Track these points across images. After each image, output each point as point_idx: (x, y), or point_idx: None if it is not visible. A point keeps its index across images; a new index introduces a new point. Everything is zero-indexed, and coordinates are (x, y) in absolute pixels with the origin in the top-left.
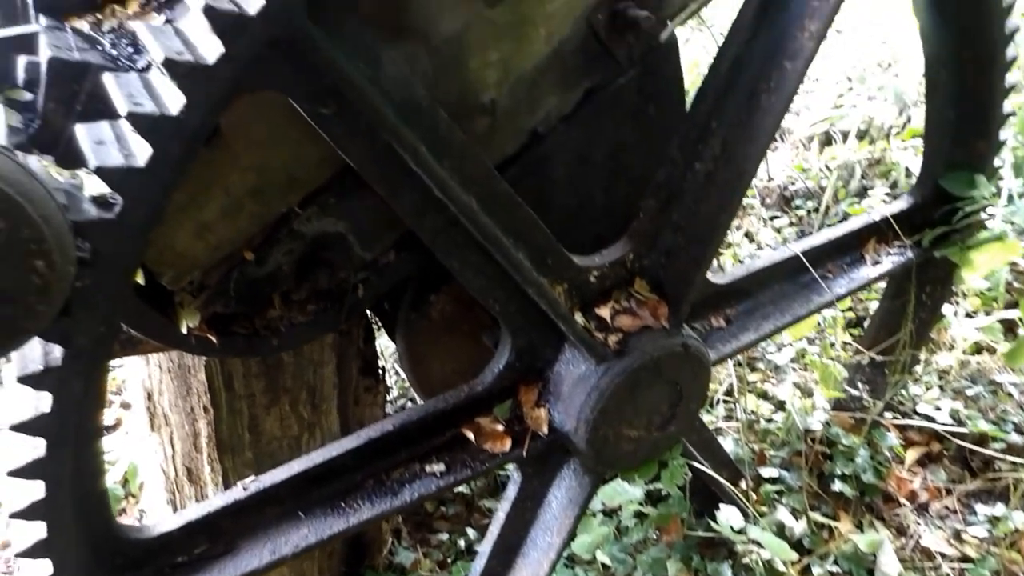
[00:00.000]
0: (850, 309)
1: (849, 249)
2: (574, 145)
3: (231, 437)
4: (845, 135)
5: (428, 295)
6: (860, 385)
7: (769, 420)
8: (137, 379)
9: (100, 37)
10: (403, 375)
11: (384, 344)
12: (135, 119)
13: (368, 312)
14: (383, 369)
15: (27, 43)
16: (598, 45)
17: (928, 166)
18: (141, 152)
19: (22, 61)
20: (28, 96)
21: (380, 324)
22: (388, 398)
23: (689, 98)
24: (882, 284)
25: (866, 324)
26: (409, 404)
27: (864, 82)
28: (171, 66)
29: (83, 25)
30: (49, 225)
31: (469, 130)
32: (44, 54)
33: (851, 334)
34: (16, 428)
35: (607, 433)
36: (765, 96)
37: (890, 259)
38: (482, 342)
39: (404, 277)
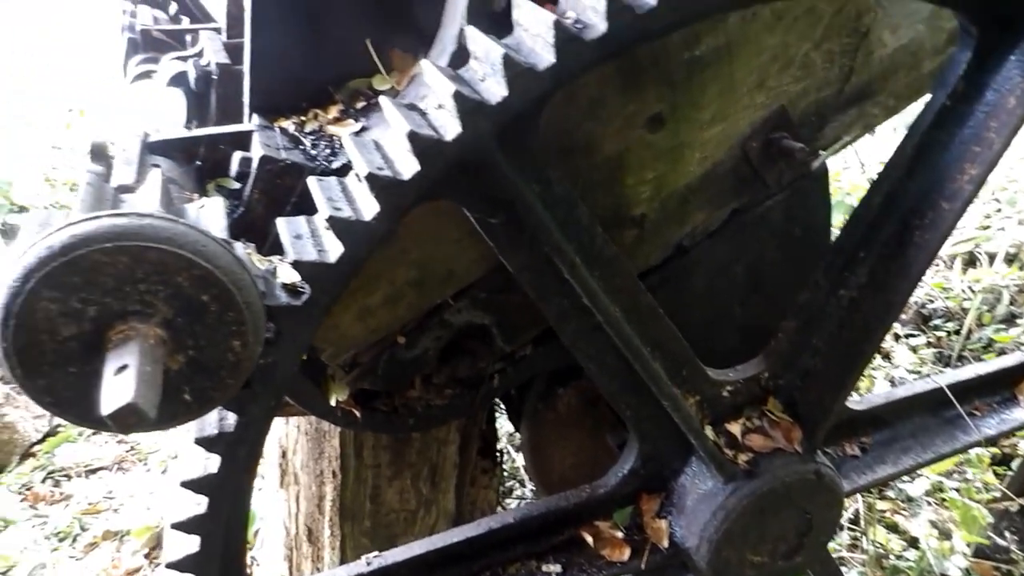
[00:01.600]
0: (996, 446)
1: (1000, 387)
2: (717, 260)
3: (354, 504)
4: (992, 257)
5: (557, 388)
6: (1007, 534)
7: (899, 557)
8: (274, 436)
9: (303, 138)
10: (515, 458)
11: (500, 426)
12: (333, 222)
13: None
14: (500, 452)
15: (243, 140)
16: (750, 170)
17: None
18: (333, 249)
19: (237, 156)
20: (236, 185)
21: (506, 410)
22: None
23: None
24: None
25: (1015, 465)
26: (517, 486)
27: (1015, 204)
28: (372, 179)
29: (289, 126)
30: (250, 310)
31: (618, 240)
32: (256, 151)
33: (996, 473)
34: (185, 485)
35: (730, 556)
36: (919, 233)
37: None
38: (605, 441)
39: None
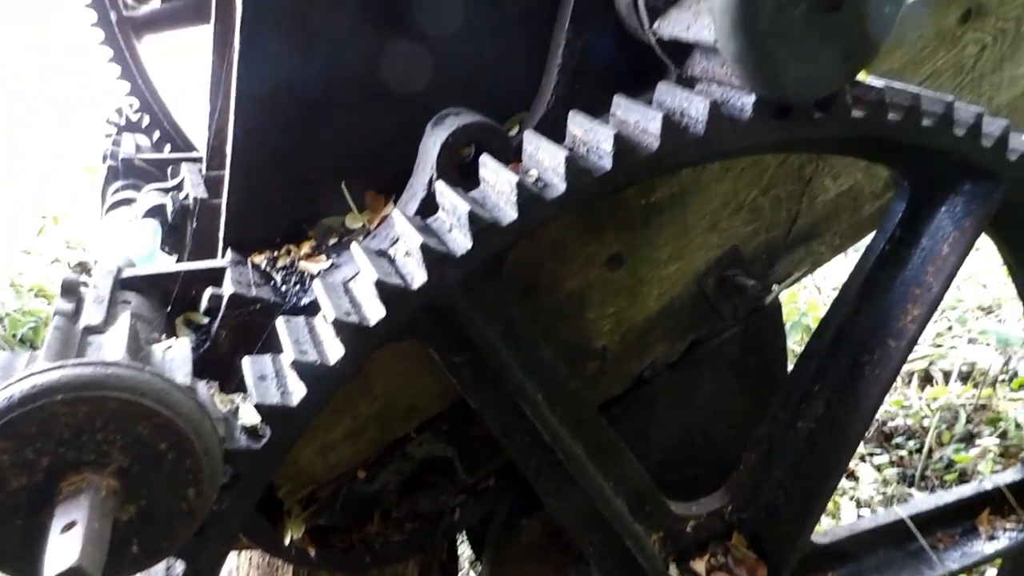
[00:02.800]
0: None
1: (962, 518)
2: (677, 390)
3: None
4: (947, 375)
5: (521, 519)
6: None
7: None
8: (224, 569)
9: (274, 274)
10: None
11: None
12: (297, 365)
13: None
14: None
15: (216, 275)
16: (706, 304)
17: None
18: (296, 391)
19: (208, 292)
20: (205, 320)
21: (468, 539)
22: None
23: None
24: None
25: None
26: None
27: (965, 324)
28: (338, 324)
29: (262, 261)
30: (208, 457)
31: (580, 372)
32: (227, 288)
33: None
34: None
35: None
36: (869, 368)
37: (1007, 535)
38: (568, 574)
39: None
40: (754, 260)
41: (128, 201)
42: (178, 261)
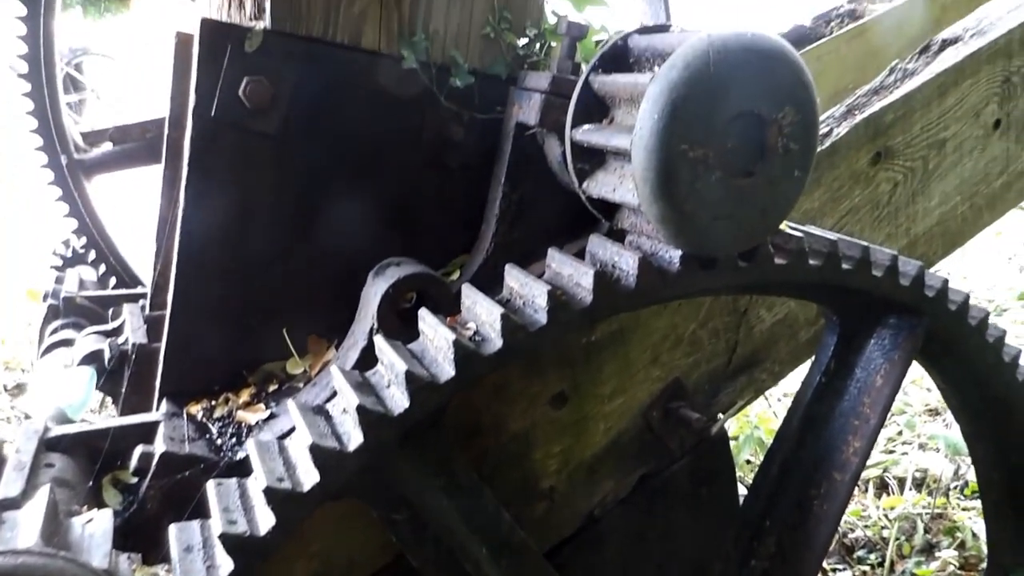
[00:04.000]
0: None
1: None
2: (629, 527)
3: None
4: (901, 482)
5: None
6: None
7: None
8: None
9: (210, 425)
10: None
11: None
12: (225, 538)
13: None
14: None
15: (148, 430)
16: (652, 437)
17: (994, 556)
18: (224, 565)
19: (138, 450)
20: (134, 480)
21: None
22: None
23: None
24: None
25: None
26: None
27: (913, 429)
28: (269, 493)
29: (198, 412)
30: None
31: (528, 514)
32: (159, 446)
33: None
34: None
35: None
36: (817, 503)
37: None
38: None
39: None
40: (697, 391)
41: (67, 342)
42: (114, 405)
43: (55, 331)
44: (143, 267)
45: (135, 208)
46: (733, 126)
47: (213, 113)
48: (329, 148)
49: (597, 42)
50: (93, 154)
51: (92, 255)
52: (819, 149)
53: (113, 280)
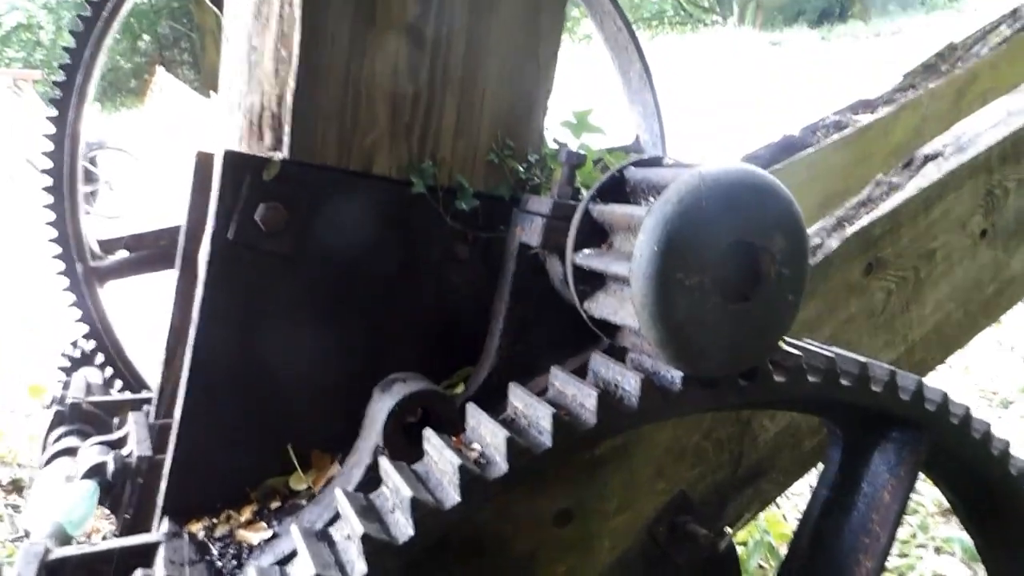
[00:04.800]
0: None
1: None
2: None
3: None
4: None
5: None
6: None
7: None
8: None
9: (211, 545)
10: None
11: None
12: None
13: None
14: None
15: (149, 551)
16: (659, 552)
17: None
18: None
19: (139, 573)
20: None
21: None
22: None
23: None
24: None
25: None
26: None
27: (927, 531)
28: None
29: (199, 531)
30: None
31: None
32: (159, 569)
33: None
34: None
35: None
36: None
37: None
38: None
39: None
40: (703, 503)
41: (70, 451)
42: (115, 519)
43: (58, 439)
44: (149, 371)
45: (143, 310)
46: (727, 255)
47: (230, 237)
48: (339, 267)
49: (596, 162)
50: (108, 261)
51: (100, 358)
52: (813, 262)
53: (120, 383)
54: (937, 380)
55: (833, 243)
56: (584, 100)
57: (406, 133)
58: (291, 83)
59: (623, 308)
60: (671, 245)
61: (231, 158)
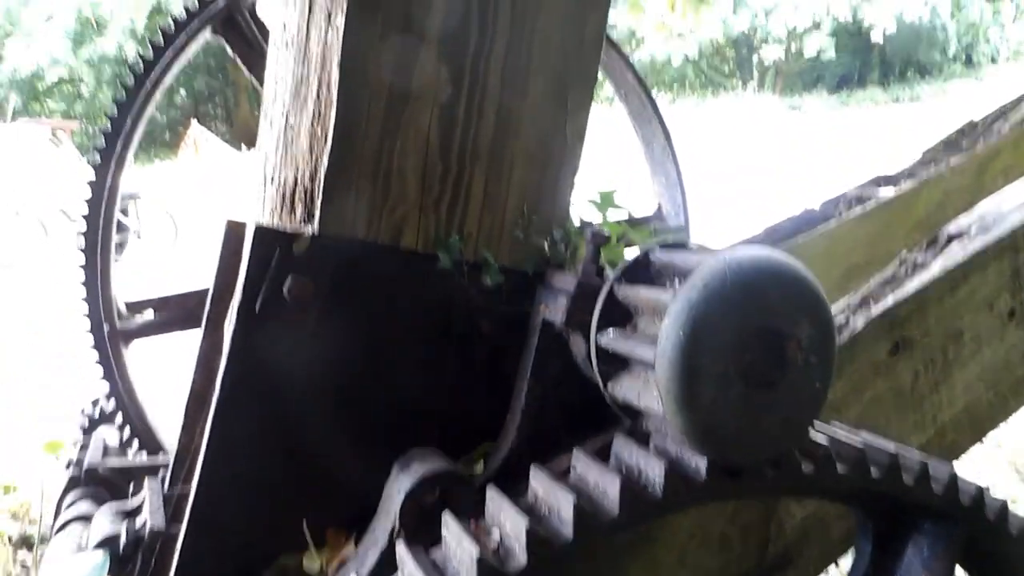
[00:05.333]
0: None
1: None
2: None
3: None
4: None
5: None
6: None
7: None
8: None
9: None
10: None
11: None
12: None
13: None
14: None
15: None
16: None
17: None
18: None
19: None
20: None
21: None
22: None
23: None
24: None
25: None
26: None
27: None
28: None
29: None
30: None
31: None
32: None
33: None
34: None
35: None
36: None
37: None
38: None
39: None
40: None
41: (83, 519)
42: None
43: (72, 503)
44: (168, 433)
45: (167, 369)
46: (753, 342)
47: (257, 310)
48: (363, 340)
49: (619, 238)
50: (134, 322)
51: (119, 418)
52: (839, 342)
53: (136, 443)
54: (968, 455)
55: (859, 322)
56: (608, 167)
57: (435, 207)
58: (325, 160)
59: (647, 392)
60: (697, 332)
61: (262, 233)
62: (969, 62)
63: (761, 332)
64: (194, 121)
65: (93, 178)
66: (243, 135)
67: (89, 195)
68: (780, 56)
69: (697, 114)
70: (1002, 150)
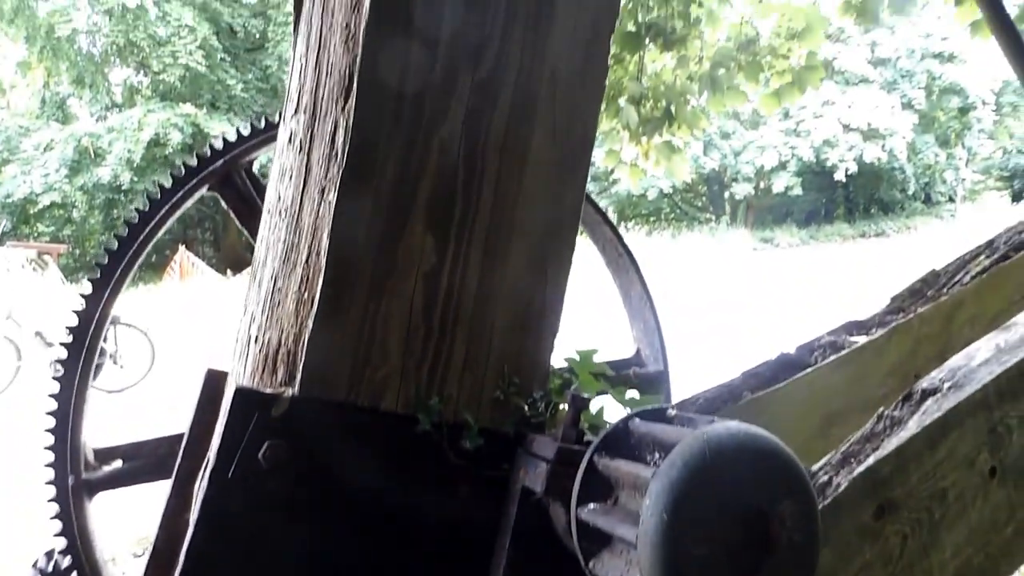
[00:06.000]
0: None
1: None
2: None
3: None
4: None
5: None
6: None
7: None
8: None
9: None
10: None
11: None
12: None
13: None
14: None
15: None
16: None
17: None
18: None
19: None
20: None
21: None
22: None
23: None
24: None
25: None
26: None
27: None
28: None
29: None
30: None
31: None
32: None
33: None
34: None
35: None
36: None
37: None
38: None
39: None
40: None
41: None
42: None
43: None
44: None
45: (128, 520)
46: (735, 522)
47: (230, 475)
48: (338, 504)
49: (597, 390)
50: (101, 472)
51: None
52: (822, 505)
53: None
54: None
55: (841, 482)
56: (587, 302)
57: (416, 369)
58: (310, 323)
59: (630, 573)
60: (678, 514)
61: (241, 396)
62: (928, 200)
63: (744, 512)
64: (182, 247)
65: (88, 293)
66: (230, 260)
67: (79, 311)
68: (750, 192)
69: (672, 247)
70: (965, 300)
